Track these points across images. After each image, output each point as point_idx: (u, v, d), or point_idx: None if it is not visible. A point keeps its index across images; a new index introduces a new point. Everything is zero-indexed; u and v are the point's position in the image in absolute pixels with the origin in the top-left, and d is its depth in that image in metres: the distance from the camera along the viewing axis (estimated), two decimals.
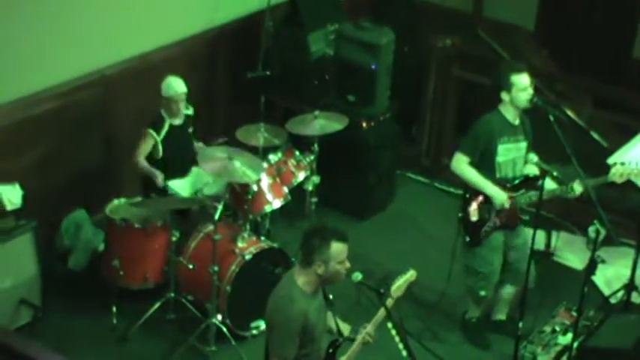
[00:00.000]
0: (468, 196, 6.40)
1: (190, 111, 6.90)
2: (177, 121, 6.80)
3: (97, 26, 7.00)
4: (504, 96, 6.16)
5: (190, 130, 6.93)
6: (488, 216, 6.31)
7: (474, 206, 6.33)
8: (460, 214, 6.43)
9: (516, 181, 6.28)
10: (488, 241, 6.36)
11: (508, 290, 6.63)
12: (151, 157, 6.73)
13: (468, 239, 6.43)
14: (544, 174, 5.81)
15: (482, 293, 6.50)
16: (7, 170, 6.46)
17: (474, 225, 6.37)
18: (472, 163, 6.24)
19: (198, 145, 7.00)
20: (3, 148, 6.51)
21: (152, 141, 6.69)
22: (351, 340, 4.99)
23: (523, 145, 6.31)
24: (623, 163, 6.14)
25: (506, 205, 6.22)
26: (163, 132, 6.71)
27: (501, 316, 6.80)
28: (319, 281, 4.86)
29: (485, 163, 6.25)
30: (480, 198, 6.29)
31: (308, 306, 4.83)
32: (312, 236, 4.84)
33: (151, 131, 6.68)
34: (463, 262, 6.54)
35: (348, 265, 4.84)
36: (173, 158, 6.78)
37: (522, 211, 6.29)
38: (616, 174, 6.07)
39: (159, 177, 6.63)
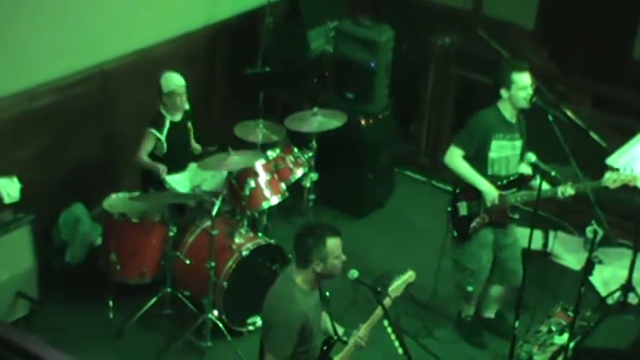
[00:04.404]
0: (457, 190, 6.41)
1: (187, 106, 6.89)
2: (177, 117, 6.78)
3: (97, 21, 6.99)
4: (503, 93, 6.16)
5: (189, 125, 6.93)
6: (477, 211, 6.32)
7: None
8: (449, 209, 6.44)
9: (507, 180, 6.27)
10: (477, 238, 6.35)
11: (496, 289, 6.64)
12: (153, 155, 6.70)
13: (455, 234, 6.43)
14: (542, 175, 5.78)
15: (470, 289, 6.50)
16: (6, 163, 6.44)
17: (462, 220, 6.38)
18: (466, 157, 6.23)
19: (196, 147, 7.01)
20: (2, 142, 6.50)
21: (154, 140, 6.66)
22: (344, 342, 4.97)
23: (518, 143, 6.29)
24: (617, 169, 6.15)
25: (497, 202, 6.21)
26: (165, 130, 6.67)
27: (490, 314, 6.81)
28: (317, 278, 4.85)
29: (478, 159, 6.24)
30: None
31: (308, 304, 4.83)
32: (305, 236, 4.81)
33: (153, 130, 6.64)
34: (452, 257, 6.55)
35: (344, 257, 4.84)
36: (174, 154, 6.76)
37: (512, 210, 6.29)
38: (609, 179, 6.07)
39: (161, 169, 6.60)
